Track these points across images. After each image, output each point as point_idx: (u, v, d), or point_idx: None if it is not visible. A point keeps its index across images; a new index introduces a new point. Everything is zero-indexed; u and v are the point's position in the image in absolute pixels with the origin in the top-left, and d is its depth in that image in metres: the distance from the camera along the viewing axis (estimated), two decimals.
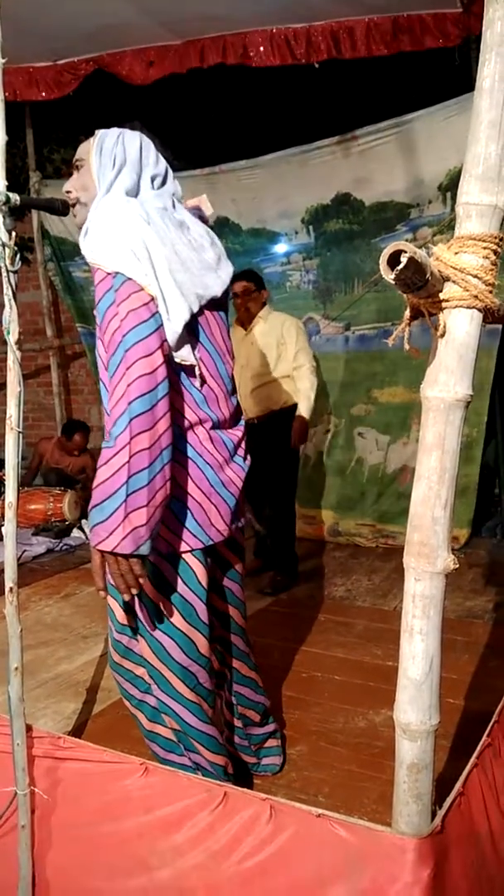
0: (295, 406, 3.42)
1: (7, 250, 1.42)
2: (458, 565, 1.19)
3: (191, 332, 1.55)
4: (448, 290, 1.15)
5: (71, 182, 1.64)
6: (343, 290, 4.13)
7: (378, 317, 4.03)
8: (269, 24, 3.52)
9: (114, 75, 3.89)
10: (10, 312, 1.43)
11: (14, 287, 1.43)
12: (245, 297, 3.27)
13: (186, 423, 1.55)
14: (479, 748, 1.41)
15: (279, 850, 1.26)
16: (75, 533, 4.39)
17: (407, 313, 1.20)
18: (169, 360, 1.48)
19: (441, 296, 1.15)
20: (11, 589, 1.44)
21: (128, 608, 1.64)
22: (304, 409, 3.31)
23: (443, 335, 1.17)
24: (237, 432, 1.70)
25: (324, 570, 3.77)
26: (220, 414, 1.62)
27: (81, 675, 2.66)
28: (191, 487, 1.56)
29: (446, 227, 3.67)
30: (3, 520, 1.47)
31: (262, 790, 1.69)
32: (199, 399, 1.57)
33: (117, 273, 1.42)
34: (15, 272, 1.45)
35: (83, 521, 4.36)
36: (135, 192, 1.57)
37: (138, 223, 1.47)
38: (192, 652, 1.60)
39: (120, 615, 1.67)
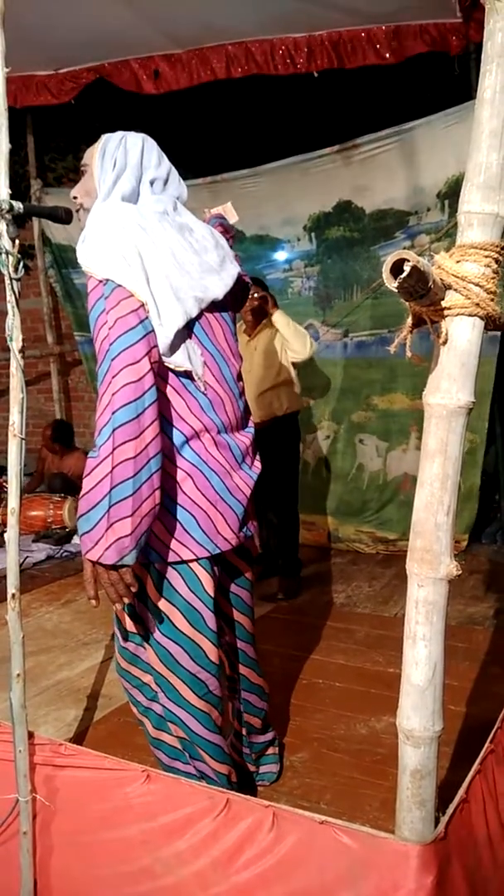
0: (297, 412, 3.44)
1: (10, 258, 1.43)
2: (460, 571, 1.19)
3: (190, 336, 1.55)
4: (450, 299, 1.16)
5: (76, 188, 1.65)
6: (342, 296, 4.15)
7: (375, 323, 4.03)
8: (270, 33, 3.54)
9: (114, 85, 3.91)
10: (13, 319, 1.44)
11: (17, 294, 1.44)
12: (260, 303, 3.29)
13: (190, 429, 1.55)
14: (482, 754, 1.41)
15: (282, 858, 1.26)
16: (75, 539, 4.38)
17: (409, 321, 1.21)
18: (164, 366, 1.48)
19: (443, 304, 1.16)
20: (14, 595, 1.44)
21: (134, 615, 1.64)
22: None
23: (445, 343, 1.17)
24: (245, 438, 1.69)
25: (324, 576, 3.77)
26: (226, 418, 1.62)
27: (82, 682, 2.65)
28: (196, 495, 1.55)
29: (444, 234, 3.68)
30: (5, 526, 1.47)
31: (264, 797, 1.69)
32: (204, 404, 1.57)
33: (108, 280, 1.42)
34: (18, 280, 1.45)
35: None
36: (134, 196, 1.58)
37: (132, 229, 1.47)
38: (202, 659, 1.60)
39: (127, 622, 1.67)
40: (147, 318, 1.42)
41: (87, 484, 1.39)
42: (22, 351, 1.44)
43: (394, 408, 4.05)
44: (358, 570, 3.82)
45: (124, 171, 1.57)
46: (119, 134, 1.61)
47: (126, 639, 1.69)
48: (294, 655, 2.78)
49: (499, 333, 3.48)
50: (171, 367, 1.50)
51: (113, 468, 1.36)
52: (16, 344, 1.43)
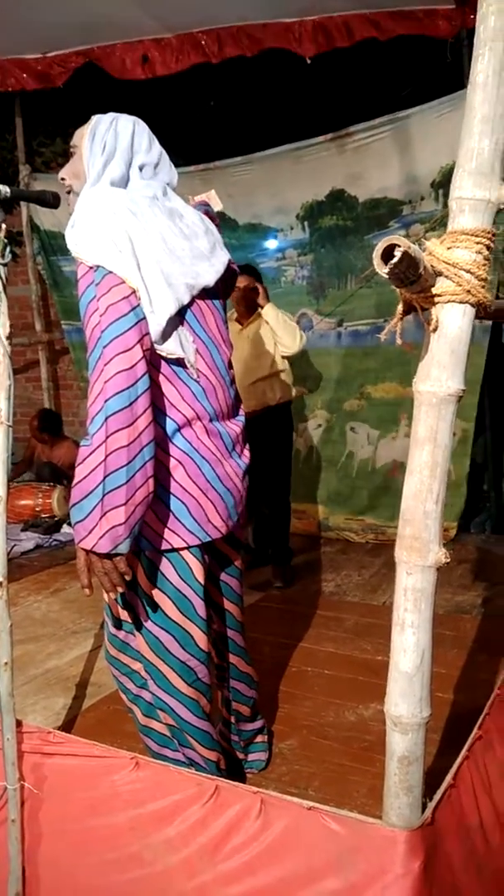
0: (290, 402, 3.43)
1: None
2: (449, 559, 1.19)
3: (181, 323, 1.54)
4: (440, 285, 1.15)
5: (64, 169, 1.63)
6: (336, 286, 4.14)
7: (371, 313, 4.03)
8: (261, 18, 3.50)
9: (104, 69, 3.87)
10: (0, 305, 1.42)
11: (4, 280, 1.42)
12: (248, 292, 3.26)
13: (182, 417, 1.53)
14: (469, 740, 1.42)
15: (270, 844, 1.26)
16: (64, 529, 4.37)
17: (399, 308, 1.20)
18: (156, 353, 1.47)
19: (434, 290, 1.15)
20: (1, 583, 1.43)
21: (125, 603, 1.63)
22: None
23: (435, 330, 1.17)
24: (236, 426, 1.68)
25: (314, 565, 3.78)
26: (218, 406, 1.61)
27: (71, 671, 2.65)
28: (187, 483, 1.55)
29: (438, 223, 3.68)
30: None
31: (253, 784, 1.69)
32: (196, 392, 1.56)
33: (98, 266, 1.40)
34: (4, 265, 1.44)
35: None
36: (124, 181, 1.55)
37: (122, 214, 1.45)
38: (191, 647, 1.60)
39: (116, 610, 1.66)
40: (138, 305, 1.40)
41: (80, 472, 1.38)
42: (9, 338, 1.43)
43: (386, 396, 4.06)
44: (347, 559, 3.84)
45: (114, 155, 1.55)
46: (110, 116, 1.59)
47: (116, 627, 1.69)
48: (283, 643, 2.79)
49: (490, 323, 3.49)
50: (163, 354, 1.49)
51: (106, 457, 1.35)
52: (3, 330, 1.42)
